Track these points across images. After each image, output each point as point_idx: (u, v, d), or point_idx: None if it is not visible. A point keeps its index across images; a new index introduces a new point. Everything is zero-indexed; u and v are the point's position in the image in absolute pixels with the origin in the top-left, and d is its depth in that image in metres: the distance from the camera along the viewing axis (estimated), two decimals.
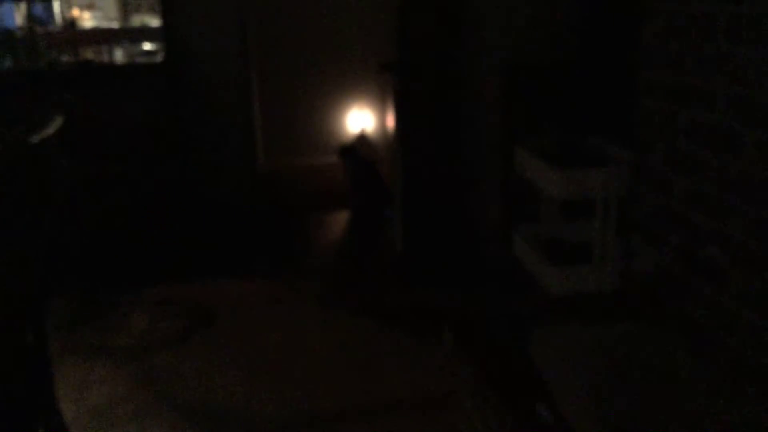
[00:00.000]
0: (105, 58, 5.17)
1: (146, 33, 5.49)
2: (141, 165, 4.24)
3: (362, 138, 5.48)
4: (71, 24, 5.50)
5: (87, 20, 5.58)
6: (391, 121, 4.35)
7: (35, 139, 1.47)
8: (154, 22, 5.61)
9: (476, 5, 3.59)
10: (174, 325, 3.26)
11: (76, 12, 5.52)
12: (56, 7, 5.45)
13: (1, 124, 3.64)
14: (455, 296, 3.32)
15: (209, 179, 4.52)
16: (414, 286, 3.59)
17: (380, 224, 4.60)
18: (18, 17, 5.19)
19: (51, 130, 1.64)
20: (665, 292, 2.05)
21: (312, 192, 5.18)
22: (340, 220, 4.73)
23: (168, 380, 2.81)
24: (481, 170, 3.64)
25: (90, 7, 5.58)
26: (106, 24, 5.59)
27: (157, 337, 3.16)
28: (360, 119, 5.59)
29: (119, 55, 5.25)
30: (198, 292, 3.59)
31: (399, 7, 3.69)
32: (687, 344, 1.84)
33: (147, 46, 5.37)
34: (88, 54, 5.17)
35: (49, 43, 5.02)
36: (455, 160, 3.94)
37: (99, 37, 5.28)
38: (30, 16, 5.27)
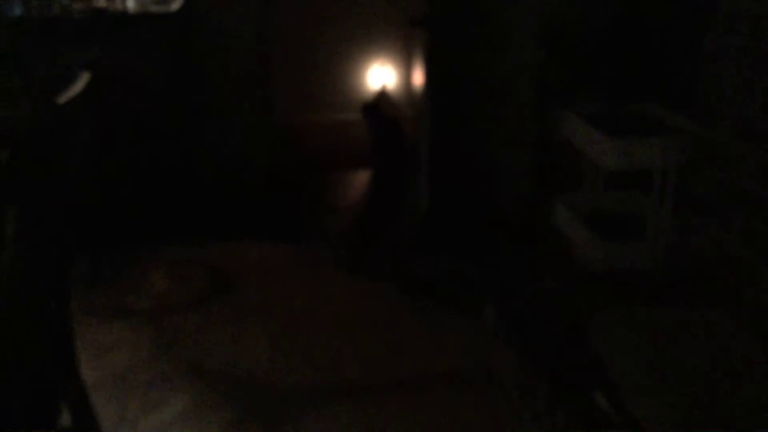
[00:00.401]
0: (117, 5, 4.99)
1: None
2: (154, 119, 4.10)
3: (383, 95, 5.31)
4: None
5: None
6: (418, 78, 4.19)
7: (63, 99, 1.34)
8: None
9: None
10: (194, 287, 3.16)
11: None
12: None
13: (20, 76, 3.50)
14: (486, 265, 3.21)
15: (226, 135, 4.38)
16: (441, 252, 3.47)
17: (403, 184, 4.47)
18: None
19: (78, 88, 1.51)
20: (725, 272, 1.92)
21: (331, 149, 5.03)
22: (361, 179, 4.60)
23: (190, 346, 2.72)
24: (513, 133, 3.50)
25: None
26: None
27: (177, 299, 3.06)
28: (381, 75, 5.41)
29: (131, 2, 5.07)
30: (216, 253, 3.48)
31: None
32: (751, 329, 1.72)
33: None
34: (100, 2, 4.99)
35: None
36: (485, 121, 3.78)
37: None
38: None
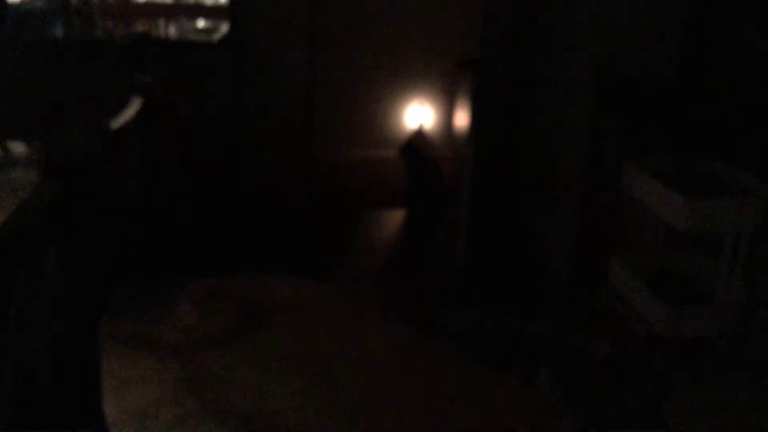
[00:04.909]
0: (159, 33, 5.01)
1: (204, 9, 5.31)
2: (193, 148, 4.04)
3: (420, 134, 5.23)
4: None
5: None
6: (460, 121, 4.10)
7: (116, 125, 1.25)
8: None
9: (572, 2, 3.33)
10: (223, 322, 3.05)
11: None
12: None
13: (70, 96, 3.45)
14: (531, 322, 3.06)
15: (265, 168, 4.30)
16: (481, 303, 3.33)
17: (439, 227, 4.35)
18: None
19: (130, 114, 1.43)
20: None
21: (366, 186, 4.94)
22: (396, 218, 4.49)
23: (216, 385, 2.60)
24: (561, 182, 3.38)
25: None
26: None
27: (206, 333, 2.95)
28: (419, 114, 5.34)
29: (172, 31, 5.09)
30: (248, 287, 3.38)
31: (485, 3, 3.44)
32: None
33: (201, 23, 5.19)
34: (142, 28, 5.00)
35: (104, 13, 4.85)
36: (531, 167, 3.68)
37: (155, 10, 5.12)
38: None
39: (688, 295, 2.15)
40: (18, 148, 2.30)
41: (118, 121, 1.30)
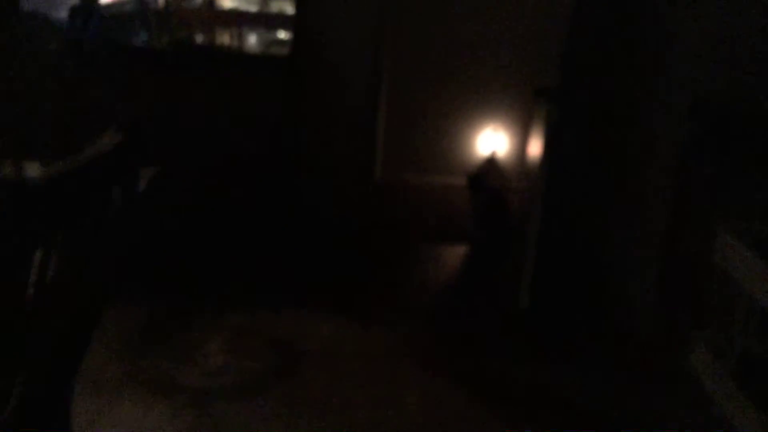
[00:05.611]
0: (236, 42, 4.93)
1: (280, 20, 5.20)
2: (243, 168, 3.86)
3: (492, 162, 4.87)
4: (210, 3, 5.29)
5: (228, 1, 5.38)
6: (534, 150, 3.75)
7: (39, 177, 1.03)
8: (291, 9, 5.32)
9: (665, 27, 2.93)
10: (253, 367, 2.79)
11: None
12: None
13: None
14: (603, 387, 2.67)
15: (320, 190, 4.07)
16: (543, 359, 2.96)
17: (502, 267, 3.99)
18: None
19: (98, 149, 1.22)
20: None
21: (429, 216, 4.62)
22: (456, 254, 4.16)
23: None
24: (640, 231, 2.98)
25: None
26: (245, 7, 5.36)
27: (232, 379, 2.70)
28: (492, 141, 4.98)
29: (253, 41, 5.01)
30: (285, 325, 3.12)
31: (568, 30, 3.09)
32: None
33: (281, 34, 5.08)
34: (224, 36, 4.94)
35: (182, 20, 4.80)
36: (608, 210, 3.29)
37: (231, 19, 5.05)
38: None
39: None
40: (32, 168, 2.12)
41: (45, 172, 1.07)
